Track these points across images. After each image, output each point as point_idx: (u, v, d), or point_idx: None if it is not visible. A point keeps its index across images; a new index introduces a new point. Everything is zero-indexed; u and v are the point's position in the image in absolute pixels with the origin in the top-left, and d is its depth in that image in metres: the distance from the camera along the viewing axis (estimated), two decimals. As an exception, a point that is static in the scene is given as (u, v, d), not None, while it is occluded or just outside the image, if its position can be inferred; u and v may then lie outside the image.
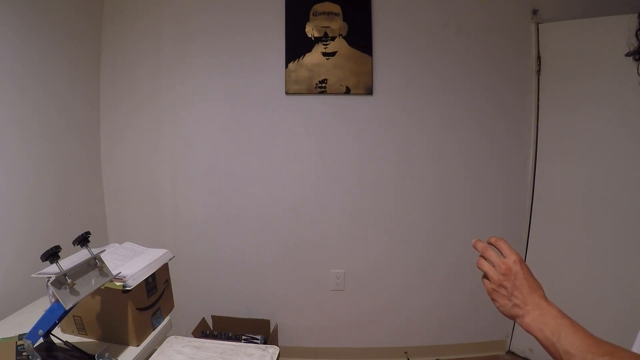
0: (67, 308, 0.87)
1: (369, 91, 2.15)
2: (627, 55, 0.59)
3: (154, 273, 1.21)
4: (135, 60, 2.15)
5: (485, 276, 0.66)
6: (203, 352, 1.12)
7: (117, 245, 1.33)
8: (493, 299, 0.64)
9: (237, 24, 2.13)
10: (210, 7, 2.12)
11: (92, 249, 1.03)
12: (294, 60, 2.12)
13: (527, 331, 0.59)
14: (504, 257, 0.63)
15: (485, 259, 0.65)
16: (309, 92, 2.14)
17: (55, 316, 0.93)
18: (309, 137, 2.19)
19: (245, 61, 2.14)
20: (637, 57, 0.57)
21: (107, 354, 1.02)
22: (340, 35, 2.11)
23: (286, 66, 2.12)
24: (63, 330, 1.17)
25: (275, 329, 2.23)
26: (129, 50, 2.15)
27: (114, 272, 1.06)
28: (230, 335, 2.16)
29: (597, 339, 0.51)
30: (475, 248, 0.67)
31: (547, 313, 0.58)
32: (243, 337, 2.13)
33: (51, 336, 1.03)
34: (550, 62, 2.14)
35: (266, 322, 2.22)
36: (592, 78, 2.00)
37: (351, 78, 2.13)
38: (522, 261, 0.63)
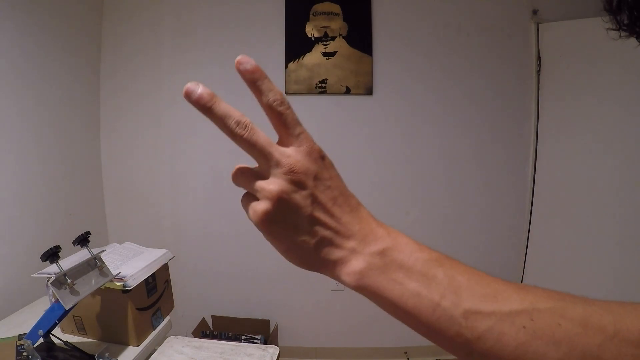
0: (67, 308, 0.87)
1: (369, 91, 2.15)
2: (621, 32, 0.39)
3: (154, 273, 1.21)
4: (134, 55, 2.15)
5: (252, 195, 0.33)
6: (203, 352, 1.12)
7: (117, 245, 1.33)
8: (270, 236, 0.32)
9: (237, 24, 2.13)
10: (209, 6, 2.12)
11: (92, 249, 1.03)
12: (294, 60, 2.12)
13: (361, 290, 0.31)
14: (287, 141, 0.32)
15: (245, 146, 0.31)
16: (309, 92, 2.14)
17: (55, 316, 0.93)
18: (309, 137, 2.18)
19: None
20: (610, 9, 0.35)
21: (107, 354, 1.02)
22: (340, 35, 2.11)
23: (286, 66, 2.12)
24: (63, 330, 1.17)
25: (275, 329, 2.23)
26: (128, 44, 2.15)
27: (114, 272, 1.06)
28: (230, 335, 2.16)
29: (503, 280, 0.31)
30: (199, 104, 0.30)
31: (395, 246, 0.31)
32: (243, 337, 2.13)
33: (51, 336, 1.03)
34: (550, 62, 2.14)
35: (266, 322, 2.22)
36: (592, 78, 2.00)
37: (351, 78, 2.13)
38: (326, 156, 0.33)
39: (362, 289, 0.31)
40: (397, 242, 0.32)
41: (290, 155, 0.31)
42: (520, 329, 0.28)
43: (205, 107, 0.30)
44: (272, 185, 0.30)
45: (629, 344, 0.27)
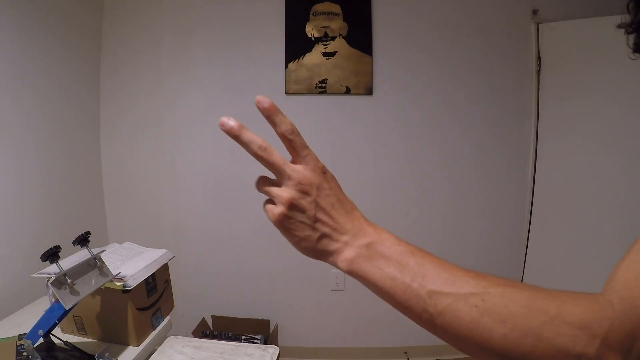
0: (67, 308, 0.87)
1: (369, 91, 2.15)
2: (619, 26, 0.51)
3: (154, 273, 1.21)
4: (134, 56, 2.15)
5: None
6: (203, 352, 1.12)
7: (117, 245, 1.33)
8: (286, 233, 0.41)
9: (237, 24, 2.13)
10: (209, 5, 2.13)
11: (92, 249, 1.03)
12: (294, 60, 2.12)
13: (352, 274, 0.40)
14: (297, 160, 0.41)
15: (265, 164, 0.40)
16: (309, 92, 2.14)
17: (55, 316, 0.92)
18: (309, 137, 2.11)
19: (245, 62, 2.14)
20: (630, 29, 0.50)
21: (107, 354, 1.02)
22: (340, 35, 2.11)
23: (286, 66, 2.12)
24: (63, 330, 1.17)
25: (275, 329, 2.23)
26: (128, 44, 2.14)
27: (114, 272, 1.05)
28: (230, 335, 2.16)
29: (465, 269, 0.38)
30: (231, 133, 0.39)
31: (379, 241, 0.40)
32: (243, 337, 2.13)
33: (51, 336, 1.03)
34: (550, 62, 2.14)
35: (266, 322, 2.22)
36: (592, 78, 2.00)
37: (351, 78, 2.13)
38: (328, 171, 0.42)
39: (352, 272, 0.40)
40: (381, 237, 0.40)
41: (299, 171, 0.40)
42: (472, 308, 0.35)
43: (235, 135, 0.39)
44: (285, 193, 0.40)
45: (568, 325, 0.34)
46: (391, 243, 0.40)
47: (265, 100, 0.39)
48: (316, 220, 0.40)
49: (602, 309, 0.35)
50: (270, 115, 0.40)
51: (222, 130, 0.39)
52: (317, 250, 0.41)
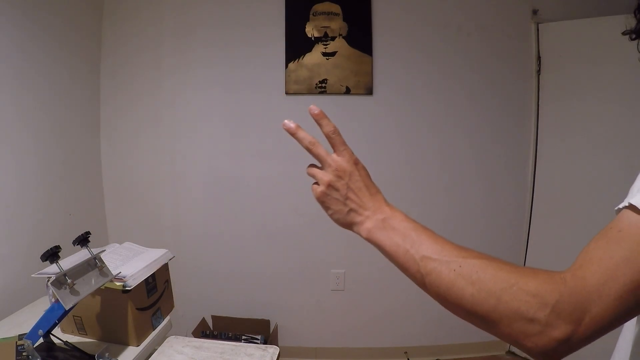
0: (67, 308, 0.87)
1: (369, 91, 2.15)
2: (624, 33, 0.55)
3: (154, 273, 1.21)
4: (134, 56, 2.15)
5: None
6: (203, 352, 1.12)
7: (117, 245, 1.33)
8: (324, 206, 0.55)
9: (237, 24, 2.13)
10: (209, 6, 2.13)
11: (92, 249, 1.03)
12: (294, 60, 2.12)
13: (369, 240, 0.53)
14: (336, 153, 0.54)
15: (313, 155, 0.55)
16: (309, 92, 2.14)
17: (55, 316, 0.93)
18: (309, 137, 2.19)
19: (245, 62, 2.14)
20: (634, 36, 0.53)
21: (107, 354, 1.02)
22: (340, 35, 2.11)
23: (286, 66, 2.12)
24: (63, 330, 1.17)
25: (275, 329, 2.23)
26: (128, 44, 2.14)
27: (114, 272, 1.05)
28: (230, 335, 2.16)
29: (455, 244, 0.49)
30: (290, 131, 0.55)
31: (392, 217, 0.52)
32: (243, 337, 2.13)
33: (51, 336, 1.03)
34: (550, 62, 2.14)
35: (266, 322, 2.22)
36: (591, 78, 2.00)
37: (351, 78, 2.13)
38: (360, 162, 0.55)
39: (370, 239, 0.52)
40: (394, 214, 0.52)
41: (337, 161, 0.53)
42: (452, 271, 0.46)
43: (293, 133, 0.54)
44: (325, 176, 0.53)
45: (524, 292, 0.42)
46: (400, 219, 0.52)
47: (315, 109, 0.53)
48: (347, 198, 0.53)
49: (556, 283, 0.42)
50: (318, 119, 0.54)
51: (284, 129, 0.54)
52: (346, 221, 0.54)
